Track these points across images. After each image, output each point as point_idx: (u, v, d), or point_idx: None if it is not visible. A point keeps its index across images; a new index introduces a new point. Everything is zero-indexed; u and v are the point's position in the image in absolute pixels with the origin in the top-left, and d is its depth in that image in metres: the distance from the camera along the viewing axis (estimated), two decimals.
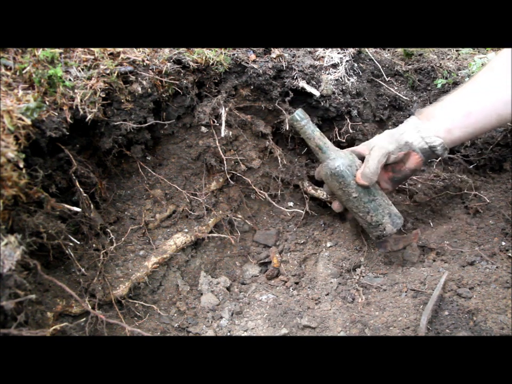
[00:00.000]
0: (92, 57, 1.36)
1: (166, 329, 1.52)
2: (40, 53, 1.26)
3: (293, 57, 1.71)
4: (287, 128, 1.77)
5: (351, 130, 1.86)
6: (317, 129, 1.59)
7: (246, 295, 1.72)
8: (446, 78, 1.88)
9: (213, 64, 1.58)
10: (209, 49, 1.57)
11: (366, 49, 1.88)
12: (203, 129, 1.71)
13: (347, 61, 1.77)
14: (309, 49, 1.78)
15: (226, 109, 1.66)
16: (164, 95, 1.53)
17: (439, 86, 1.87)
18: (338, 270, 1.81)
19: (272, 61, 1.65)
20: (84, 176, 1.43)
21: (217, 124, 1.67)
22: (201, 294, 1.69)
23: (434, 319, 1.42)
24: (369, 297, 1.64)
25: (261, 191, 1.90)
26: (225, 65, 1.59)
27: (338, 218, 2.12)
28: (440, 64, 1.93)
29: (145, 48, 1.47)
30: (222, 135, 1.66)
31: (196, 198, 1.77)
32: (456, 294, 1.49)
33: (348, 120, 1.85)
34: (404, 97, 1.92)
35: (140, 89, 1.42)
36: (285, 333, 1.49)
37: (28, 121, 1.11)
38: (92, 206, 1.48)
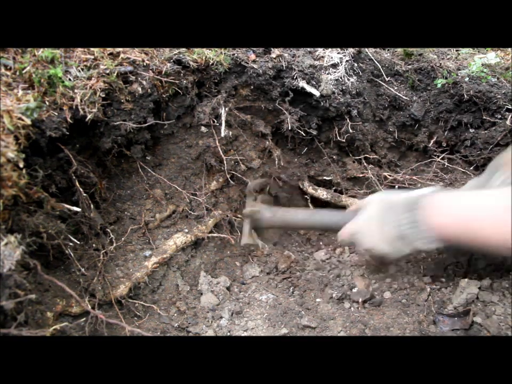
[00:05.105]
0: (92, 57, 1.35)
1: (166, 329, 1.51)
2: (40, 53, 1.26)
3: (292, 57, 1.71)
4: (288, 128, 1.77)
5: (351, 130, 1.86)
6: None
7: (246, 295, 1.72)
8: (446, 78, 1.87)
9: (213, 64, 1.57)
10: (209, 49, 1.57)
11: (366, 49, 1.88)
12: (203, 129, 1.71)
13: (347, 61, 1.77)
14: (309, 49, 1.78)
15: (226, 109, 1.66)
16: (164, 95, 1.53)
17: (439, 86, 1.87)
18: (338, 269, 1.81)
19: (272, 61, 1.64)
20: (83, 176, 1.42)
21: (217, 124, 1.67)
22: (201, 294, 1.68)
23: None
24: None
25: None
26: (225, 65, 1.59)
27: None
28: (440, 64, 1.93)
29: (145, 48, 1.47)
30: (222, 135, 1.65)
31: (195, 198, 1.77)
32: None
33: (348, 120, 1.85)
34: (403, 97, 1.92)
35: (140, 89, 1.42)
36: (285, 332, 1.49)
37: (28, 121, 1.11)
38: (91, 206, 1.47)
